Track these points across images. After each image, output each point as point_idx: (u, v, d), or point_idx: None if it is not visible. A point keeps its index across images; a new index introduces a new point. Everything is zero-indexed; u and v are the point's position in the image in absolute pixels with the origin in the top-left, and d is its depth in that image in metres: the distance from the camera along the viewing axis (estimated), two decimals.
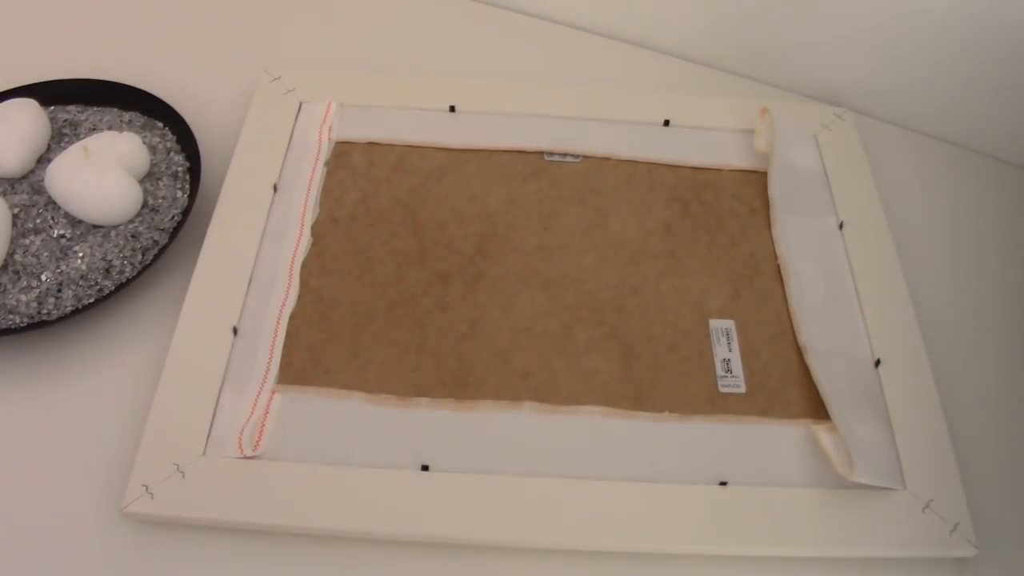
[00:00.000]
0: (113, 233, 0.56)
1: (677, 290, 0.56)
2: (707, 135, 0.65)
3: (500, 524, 0.46)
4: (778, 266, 0.57)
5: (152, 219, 0.57)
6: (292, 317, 0.53)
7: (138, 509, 0.45)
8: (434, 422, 0.50)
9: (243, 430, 0.48)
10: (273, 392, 0.50)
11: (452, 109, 0.65)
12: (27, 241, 0.55)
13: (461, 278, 0.56)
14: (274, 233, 0.57)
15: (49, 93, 0.63)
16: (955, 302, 0.59)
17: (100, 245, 0.55)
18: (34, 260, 0.54)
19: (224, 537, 0.47)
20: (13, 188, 0.58)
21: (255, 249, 0.56)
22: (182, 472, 0.47)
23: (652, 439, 0.50)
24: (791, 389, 0.52)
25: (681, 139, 0.64)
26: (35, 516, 0.47)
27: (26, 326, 0.52)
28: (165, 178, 0.59)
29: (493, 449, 0.49)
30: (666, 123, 0.65)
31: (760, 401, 0.51)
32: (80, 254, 0.54)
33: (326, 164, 0.61)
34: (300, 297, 0.54)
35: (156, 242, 0.56)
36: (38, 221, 0.56)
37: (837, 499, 0.47)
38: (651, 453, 0.49)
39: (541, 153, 0.63)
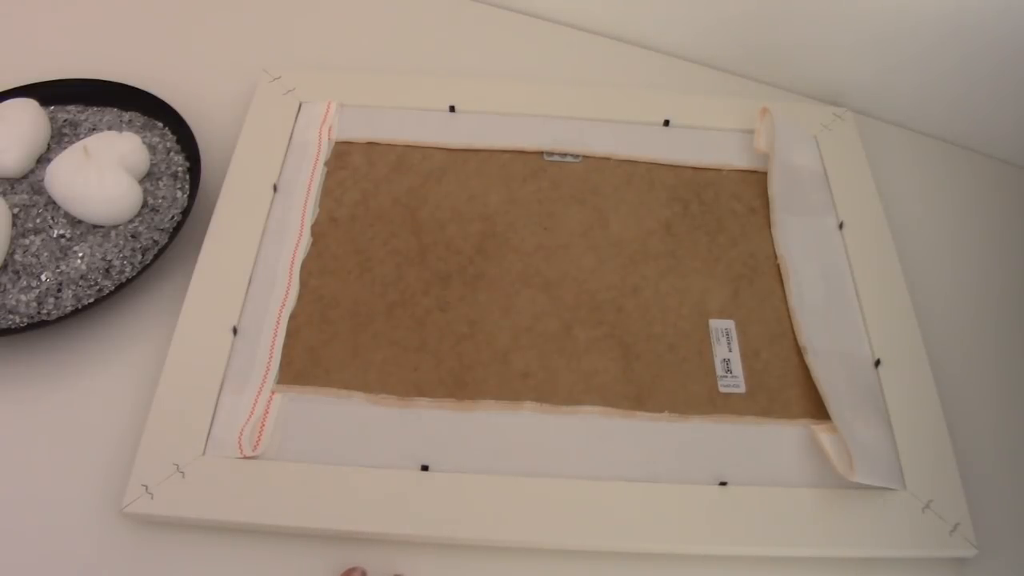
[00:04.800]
0: (113, 233, 0.56)
1: (677, 290, 0.56)
2: (707, 135, 0.65)
3: (500, 524, 0.46)
4: (778, 266, 0.57)
5: (152, 219, 0.57)
6: (292, 317, 0.53)
7: (138, 509, 0.45)
8: (434, 422, 0.50)
9: (243, 430, 0.48)
10: (273, 392, 0.50)
11: (452, 109, 0.65)
12: (27, 241, 0.55)
13: (461, 278, 0.56)
14: (274, 233, 0.57)
15: (49, 93, 0.63)
16: (955, 302, 0.59)
17: (100, 245, 0.55)
18: (34, 260, 0.54)
19: (224, 537, 0.47)
20: (13, 188, 0.58)
21: (255, 249, 0.56)
22: (182, 472, 0.47)
23: (652, 439, 0.50)
24: (791, 389, 0.52)
25: (681, 139, 0.64)
26: (35, 516, 0.47)
27: (26, 326, 0.52)
28: (165, 178, 0.59)
29: (493, 449, 0.49)
30: (666, 123, 0.65)
31: (760, 401, 0.51)
32: (80, 254, 0.54)
33: (326, 164, 0.61)
34: (300, 297, 0.54)
35: (156, 242, 0.56)
36: (38, 221, 0.56)
37: (837, 499, 0.47)
38: (651, 453, 0.49)
39: (541, 153, 0.63)
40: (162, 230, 0.57)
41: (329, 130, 0.63)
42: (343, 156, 0.62)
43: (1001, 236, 0.63)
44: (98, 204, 0.55)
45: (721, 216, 0.60)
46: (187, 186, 0.59)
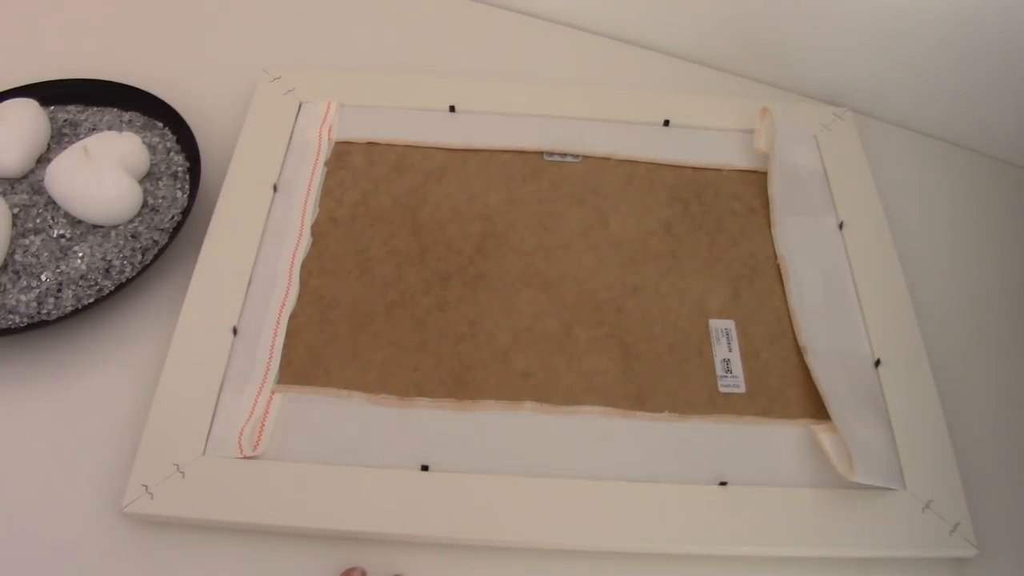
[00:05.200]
0: (113, 233, 0.56)
1: (677, 290, 0.56)
2: (707, 135, 0.65)
3: (500, 524, 0.46)
4: (778, 266, 0.57)
5: (152, 219, 0.57)
6: (292, 317, 0.53)
7: (138, 509, 0.45)
8: (434, 422, 0.50)
9: (243, 430, 0.48)
10: (273, 392, 0.50)
11: (452, 109, 0.65)
12: (27, 241, 0.55)
13: (461, 278, 0.56)
14: (274, 233, 0.57)
15: (49, 93, 0.63)
16: (955, 302, 0.59)
17: (100, 245, 0.55)
18: (34, 260, 0.54)
19: (224, 537, 0.47)
20: (13, 188, 0.58)
21: (255, 249, 0.56)
22: (182, 472, 0.47)
23: (652, 439, 0.50)
24: (791, 389, 0.52)
25: (681, 139, 0.64)
26: (35, 516, 0.47)
27: (26, 326, 0.52)
28: (165, 178, 0.59)
29: (493, 449, 0.49)
30: (666, 123, 0.65)
31: (760, 401, 0.51)
32: (80, 254, 0.54)
33: (326, 164, 0.61)
34: (300, 297, 0.54)
35: (156, 242, 0.56)
36: (38, 221, 0.56)
37: (837, 499, 0.47)
38: (651, 453, 0.49)
39: (541, 153, 0.63)
40: (162, 230, 0.57)
41: (329, 130, 0.63)
42: (343, 156, 0.62)
43: (1001, 236, 0.63)
44: (98, 204, 0.55)
45: (721, 216, 0.60)
46: (187, 186, 0.59)
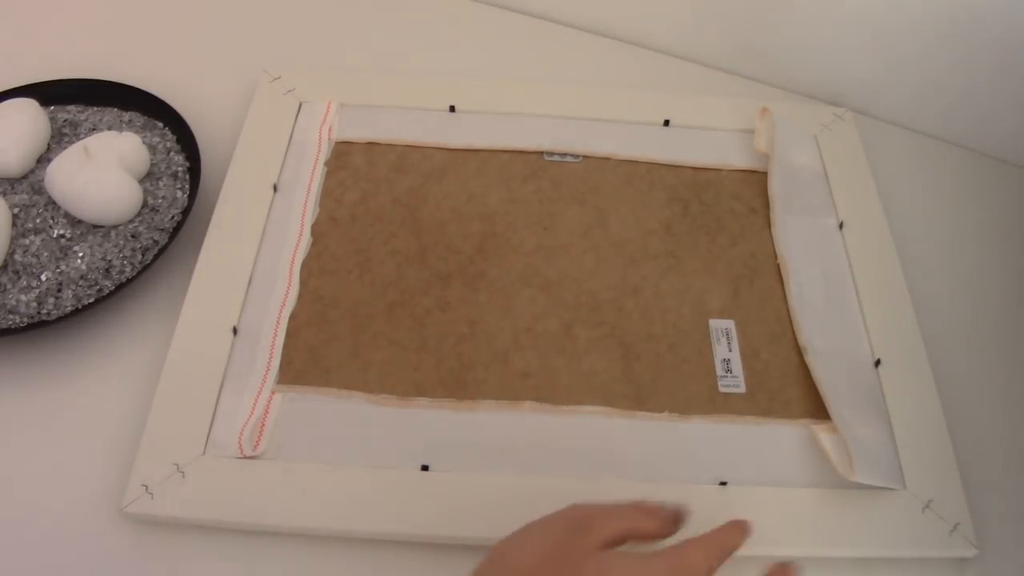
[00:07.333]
0: (113, 233, 0.56)
1: (677, 290, 0.56)
2: (707, 135, 0.65)
3: (500, 524, 0.46)
4: (778, 266, 0.57)
5: (152, 219, 0.57)
6: (292, 317, 0.53)
7: (138, 509, 0.45)
8: (434, 422, 0.50)
9: (243, 430, 0.48)
10: (273, 392, 0.50)
11: (452, 109, 0.65)
12: (27, 241, 0.55)
13: (461, 278, 0.56)
14: (274, 233, 0.57)
15: (49, 93, 0.62)
16: (955, 302, 0.59)
17: (100, 245, 0.55)
18: (34, 260, 0.54)
19: (224, 537, 0.47)
20: (13, 188, 0.58)
21: (255, 249, 0.56)
22: (182, 472, 0.47)
23: (652, 439, 0.50)
24: (791, 389, 0.52)
25: (681, 139, 0.64)
26: (35, 516, 0.47)
27: (26, 326, 0.52)
28: (165, 178, 0.59)
29: (493, 449, 0.49)
30: (666, 123, 0.65)
31: (760, 401, 0.51)
32: (80, 254, 0.54)
33: (326, 164, 0.61)
34: (300, 297, 0.54)
35: (156, 242, 0.56)
36: (38, 221, 0.56)
37: (837, 499, 0.47)
38: (651, 453, 0.49)
39: (541, 153, 0.63)
40: (162, 230, 0.57)
41: (329, 130, 0.63)
42: (343, 156, 0.62)
43: (1001, 236, 0.63)
44: (98, 204, 0.55)
45: (721, 216, 0.60)
46: (187, 186, 0.59)
